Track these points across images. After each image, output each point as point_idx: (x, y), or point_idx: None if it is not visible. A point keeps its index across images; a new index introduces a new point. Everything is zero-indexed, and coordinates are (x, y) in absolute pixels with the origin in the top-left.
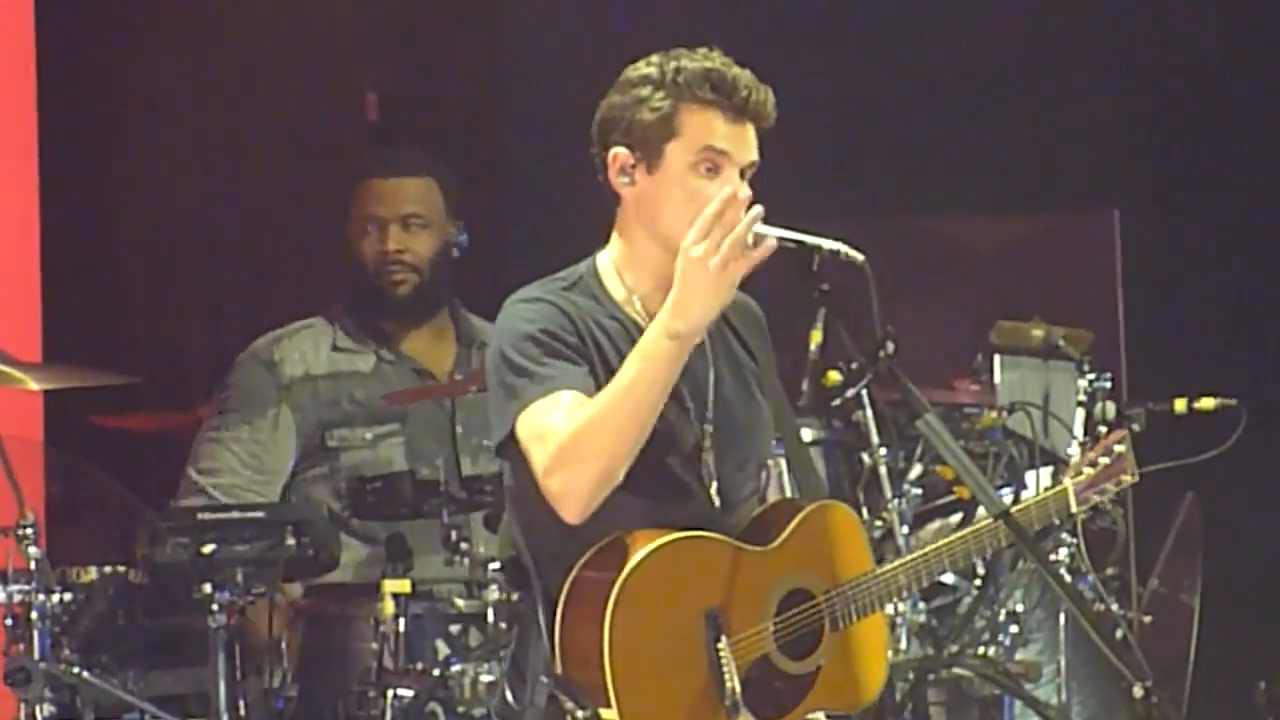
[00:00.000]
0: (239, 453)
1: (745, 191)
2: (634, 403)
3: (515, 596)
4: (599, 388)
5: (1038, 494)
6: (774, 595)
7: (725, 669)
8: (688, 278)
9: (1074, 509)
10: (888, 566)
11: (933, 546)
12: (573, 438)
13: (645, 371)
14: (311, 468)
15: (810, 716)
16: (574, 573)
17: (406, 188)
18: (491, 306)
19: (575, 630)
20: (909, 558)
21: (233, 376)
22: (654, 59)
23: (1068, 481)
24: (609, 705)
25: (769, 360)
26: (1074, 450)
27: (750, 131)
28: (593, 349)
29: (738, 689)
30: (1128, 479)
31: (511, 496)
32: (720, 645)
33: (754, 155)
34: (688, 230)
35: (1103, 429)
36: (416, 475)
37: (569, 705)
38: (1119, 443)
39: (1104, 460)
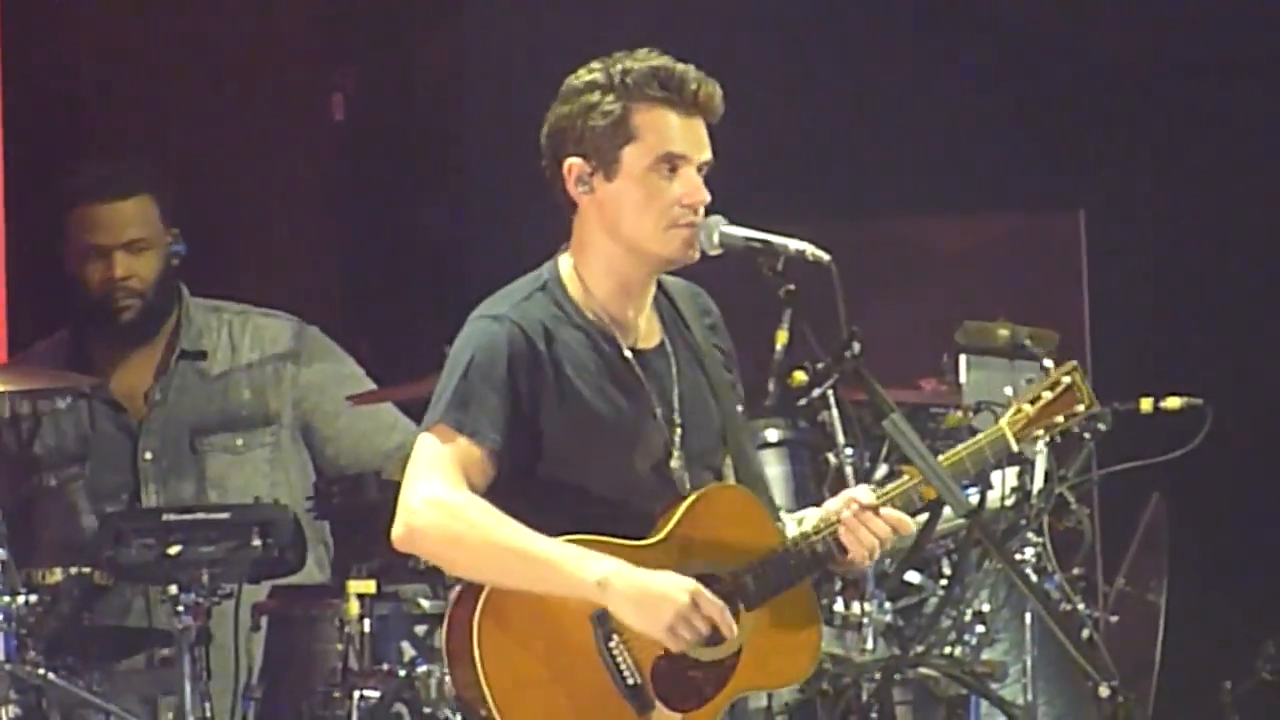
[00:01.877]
0: None
1: (700, 194)
2: (514, 569)
3: None
4: (559, 404)
5: (972, 441)
6: None
7: (622, 667)
8: (652, 598)
9: (1014, 447)
10: (797, 535)
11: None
12: (454, 525)
13: (548, 571)
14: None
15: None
16: (450, 604)
17: (126, 211)
18: (458, 307)
19: (455, 654)
20: (815, 528)
21: None
22: (595, 64)
23: (1003, 422)
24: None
25: (715, 345)
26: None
27: (702, 127)
28: (548, 364)
29: (640, 683)
30: (1081, 408)
31: (495, 490)
32: (612, 643)
33: (709, 153)
34: (654, 232)
35: (1048, 363)
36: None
37: None
38: (1066, 374)
39: (1047, 394)
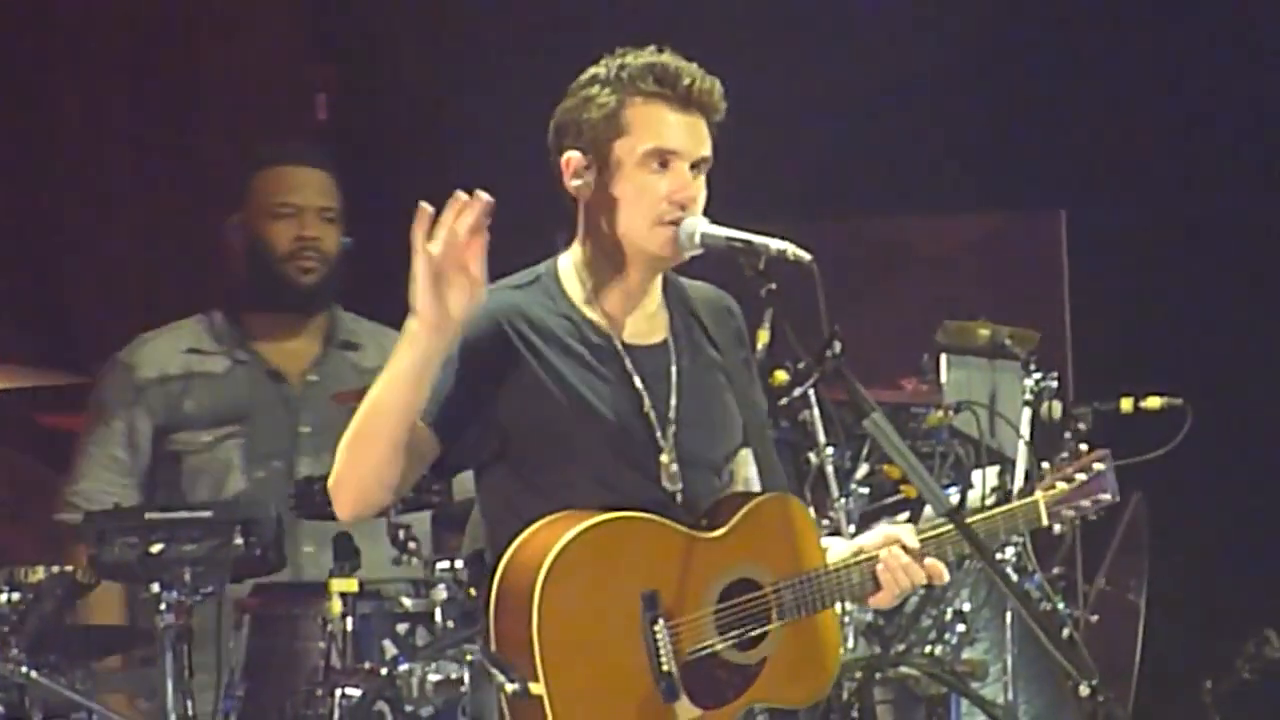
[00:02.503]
0: (98, 455)
1: (699, 189)
2: (375, 422)
3: (475, 593)
4: (525, 387)
5: (1008, 504)
6: (717, 583)
7: (661, 652)
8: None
9: (1044, 522)
10: (839, 561)
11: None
12: (342, 442)
13: (384, 389)
14: (161, 473)
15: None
16: (510, 551)
17: (318, 179)
18: None
19: (507, 605)
20: (863, 555)
21: (96, 387)
22: (602, 59)
23: (1039, 495)
24: (537, 680)
25: (740, 355)
26: (1044, 465)
27: (701, 125)
28: (517, 348)
29: (674, 672)
30: (1107, 498)
31: (480, 490)
32: (657, 627)
33: (705, 150)
34: (641, 227)
35: (1084, 446)
36: (243, 482)
37: (499, 679)
38: (1099, 461)
39: (1080, 476)
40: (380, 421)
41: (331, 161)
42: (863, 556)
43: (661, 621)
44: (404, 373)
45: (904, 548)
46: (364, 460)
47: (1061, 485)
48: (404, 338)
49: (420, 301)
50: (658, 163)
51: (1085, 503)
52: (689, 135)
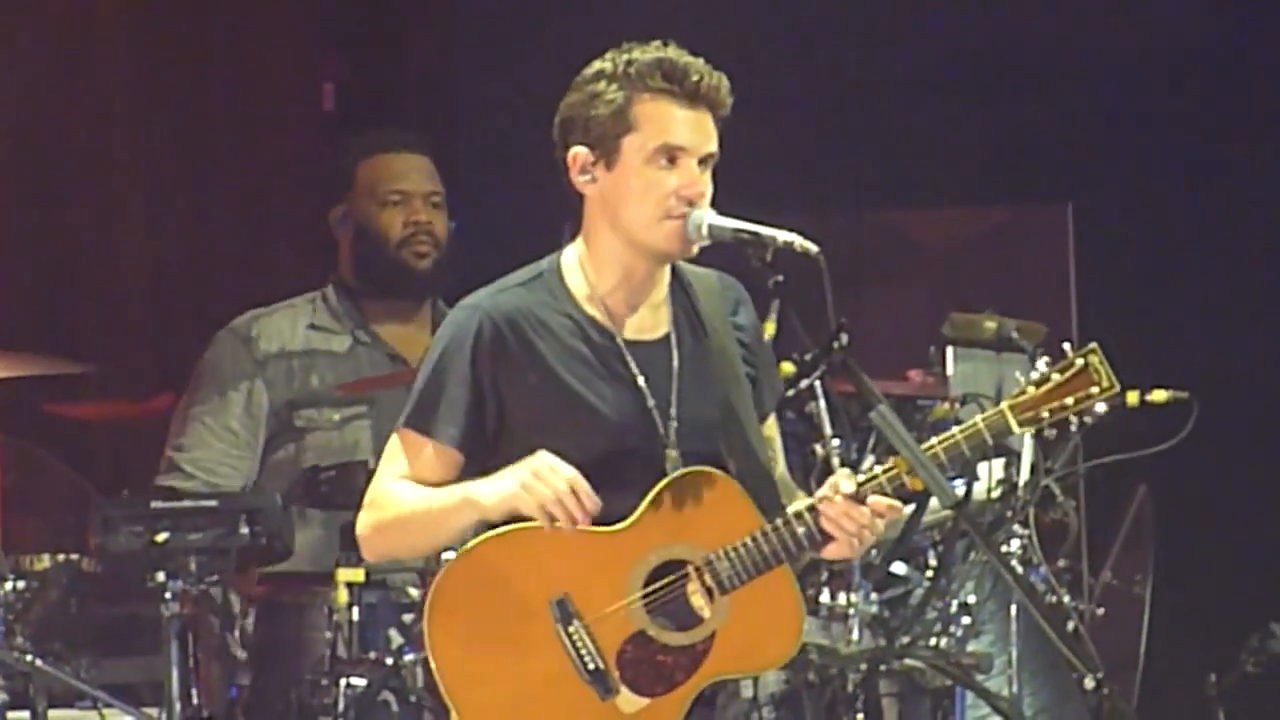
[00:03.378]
0: (213, 426)
1: (706, 184)
2: (418, 530)
3: None
4: (530, 392)
5: (970, 423)
6: (638, 570)
7: (583, 652)
8: (504, 474)
9: (1015, 429)
10: (773, 522)
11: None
12: (373, 515)
13: (433, 517)
14: (279, 446)
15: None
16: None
17: (424, 165)
18: (450, 295)
19: (423, 645)
20: (796, 512)
21: (209, 352)
22: (608, 54)
23: (1005, 403)
24: (454, 712)
25: (744, 339)
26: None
27: (708, 120)
28: (520, 352)
29: (602, 668)
30: (1098, 391)
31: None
32: (571, 629)
33: (712, 146)
34: (649, 222)
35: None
36: (370, 465)
37: (428, 717)
38: (1083, 356)
39: (1056, 377)
40: (430, 535)
41: (433, 147)
42: (803, 510)
43: (576, 622)
44: (453, 517)
45: (842, 494)
46: (406, 547)
47: (1031, 390)
48: (494, 497)
49: (513, 504)
50: (665, 159)
51: (1069, 401)
52: (696, 131)
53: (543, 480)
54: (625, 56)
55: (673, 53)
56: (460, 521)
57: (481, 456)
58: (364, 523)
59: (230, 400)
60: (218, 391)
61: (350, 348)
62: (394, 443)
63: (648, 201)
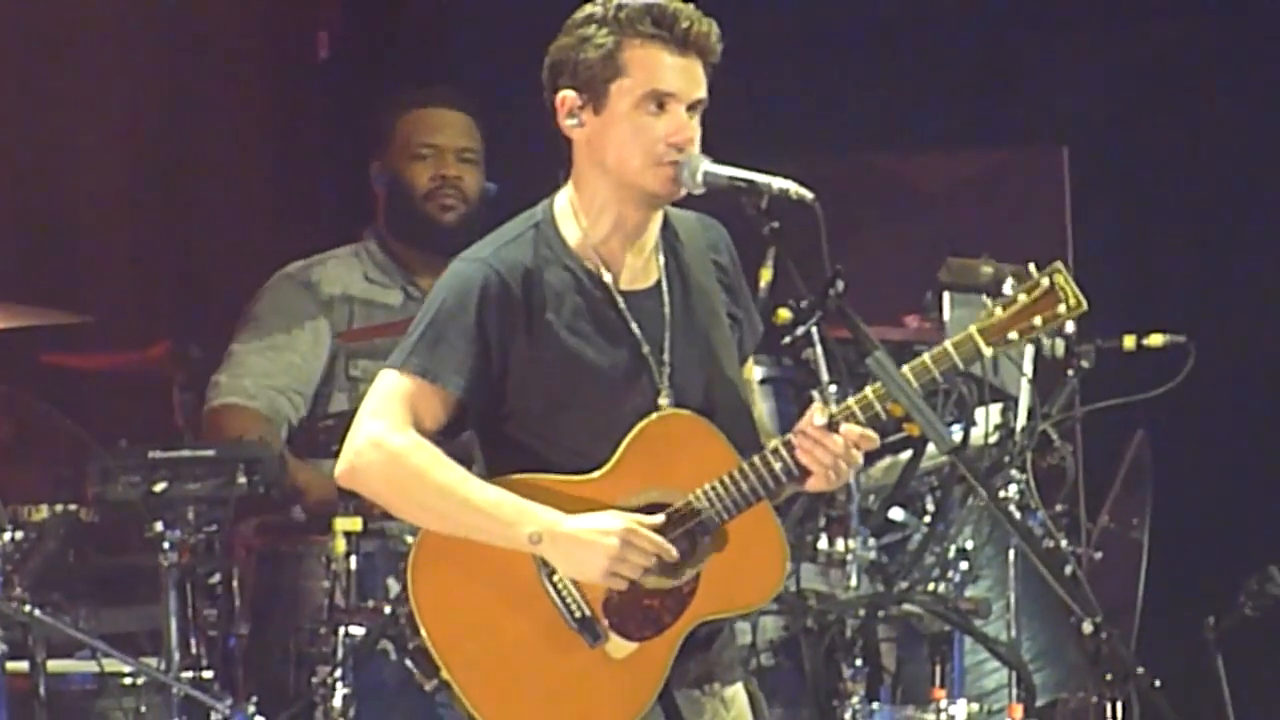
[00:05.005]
0: (274, 358)
1: (695, 130)
2: (451, 516)
3: None
4: (532, 348)
5: (939, 347)
6: None
7: (568, 600)
8: (585, 546)
9: (985, 351)
10: (750, 459)
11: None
12: (394, 469)
13: (482, 521)
14: (332, 391)
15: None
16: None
17: (460, 121)
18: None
19: (405, 601)
20: (772, 447)
21: (266, 294)
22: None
23: (972, 326)
24: (443, 669)
25: (722, 283)
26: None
27: (697, 67)
28: (523, 308)
29: (588, 614)
30: (1065, 310)
31: (484, 444)
32: (556, 578)
33: (701, 92)
34: (639, 167)
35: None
36: None
37: (418, 677)
38: (1048, 275)
39: (1023, 298)
40: (456, 527)
41: (474, 104)
42: (779, 444)
43: (560, 572)
44: (501, 540)
45: (814, 424)
46: (413, 516)
47: (998, 312)
48: (545, 526)
49: (596, 570)
50: (655, 104)
51: (1036, 321)
52: (686, 78)
53: (630, 562)
54: (615, 1)
55: (660, 2)
56: (497, 540)
57: (481, 409)
58: (377, 467)
59: (295, 336)
60: (281, 328)
61: (403, 303)
62: (391, 383)
63: (636, 147)
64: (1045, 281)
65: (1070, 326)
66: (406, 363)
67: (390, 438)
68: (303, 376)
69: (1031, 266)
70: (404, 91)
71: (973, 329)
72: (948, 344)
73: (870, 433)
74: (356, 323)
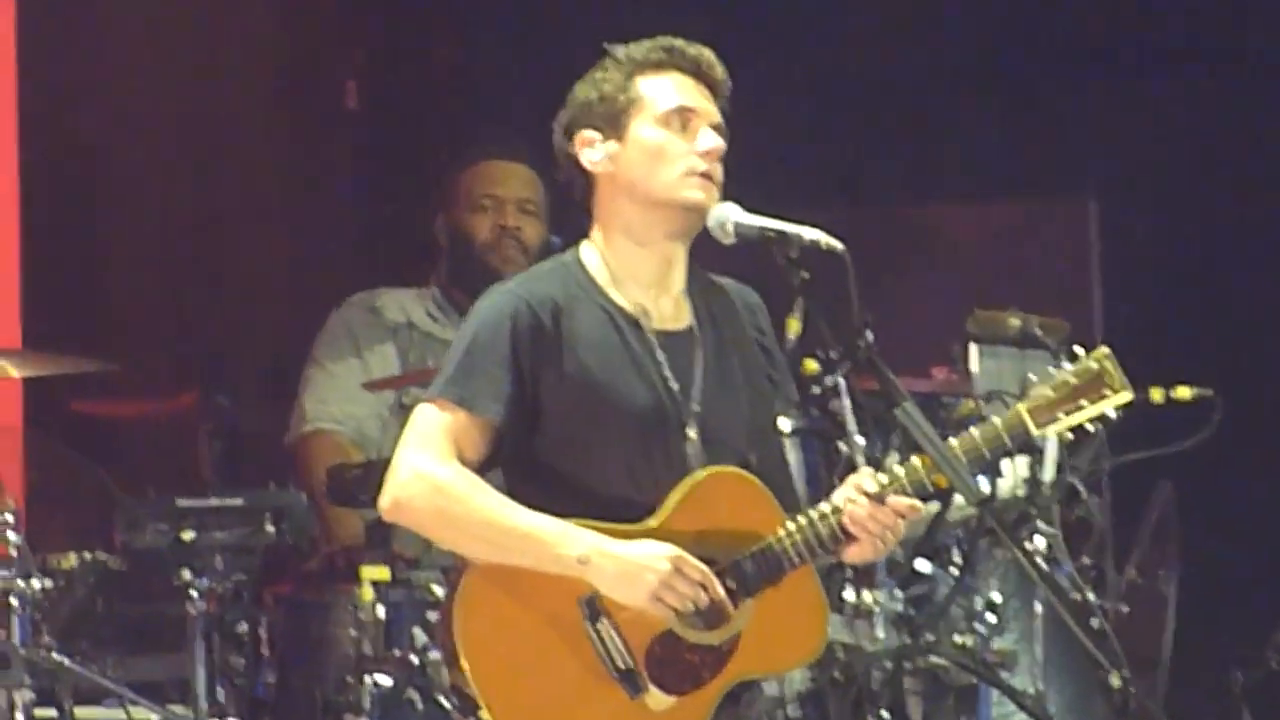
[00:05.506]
0: (352, 382)
1: (717, 142)
2: (497, 544)
3: None
4: (562, 381)
5: (988, 424)
6: None
7: (612, 650)
8: (633, 568)
9: (1032, 430)
10: (797, 523)
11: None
12: (440, 499)
13: (530, 546)
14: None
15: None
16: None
17: (520, 173)
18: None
19: (444, 649)
20: (820, 513)
21: (334, 322)
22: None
23: (1021, 406)
24: (485, 711)
25: (760, 350)
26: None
27: (709, 94)
28: (554, 340)
29: (632, 666)
30: (1113, 396)
31: (510, 478)
32: (600, 626)
33: (718, 117)
34: (671, 180)
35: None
36: None
37: (455, 715)
38: (1097, 360)
39: (1072, 380)
40: (504, 553)
41: (537, 156)
42: (826, 510)
43: (605, 620)
44: (549, 562)
45: (865, 493)
46: (464, 548)
47: (1048, 394)
48: (593, 547)
49: (643, 593)
50: (678, 120)
51: (1083, 404)
52: (704, 99)
53: (677, 591)
54: (621, 51)
55: (666, 39)
56: (545, 564)
57: (516, 439)
58: (422, 498)
59: (367, 361)
60: (353, 352)
61: None
62: (430, 416)
63: (668, 161)
64: (1093, 366)
65: (1113, 412)
66: (445, 393)
67: (434, 469)
68: (373, 401)
69: (1079, 349)
70: (469, 145)
71: (1022, 409)
72: (997, 421)
73: (917, 504)
74: (415, 353)
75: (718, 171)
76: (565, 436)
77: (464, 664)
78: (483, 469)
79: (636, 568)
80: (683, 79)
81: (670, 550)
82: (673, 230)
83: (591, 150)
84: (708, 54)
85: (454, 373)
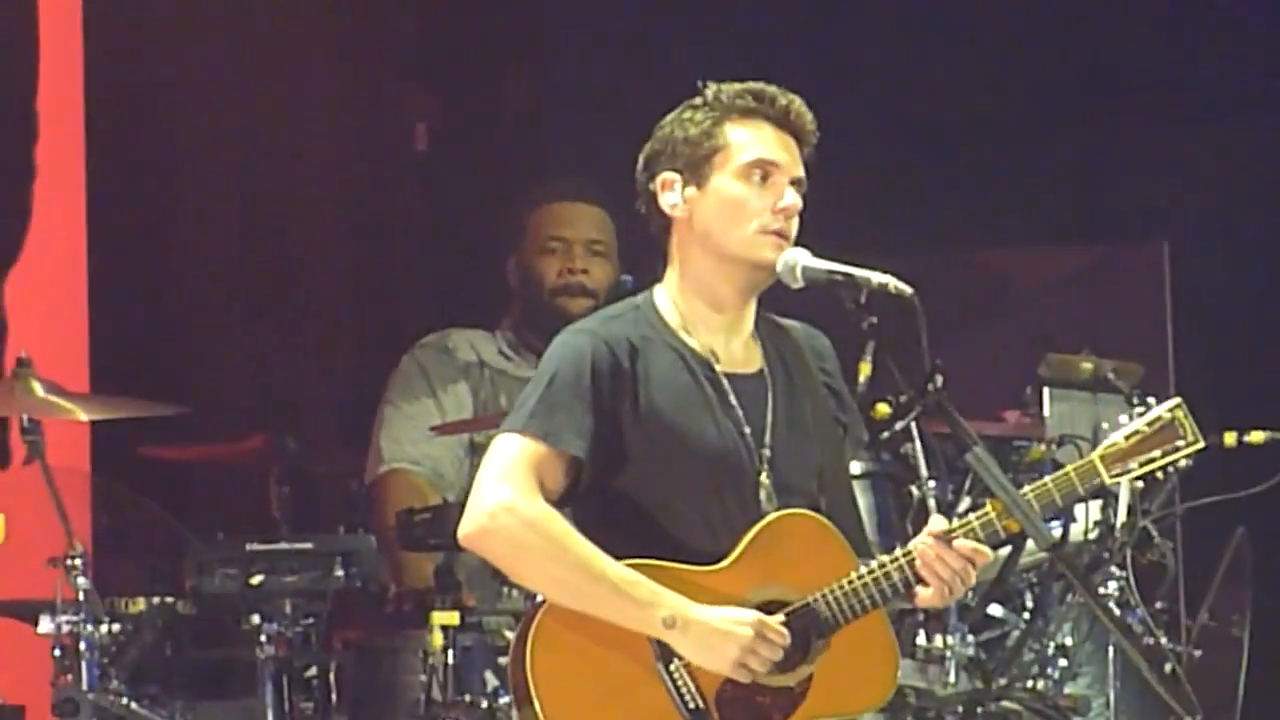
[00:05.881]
0: (428, 422)
1: (795, 200)
2: (581, 590)
3: None
4: (639, 421)
5: (1062, 471)
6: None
7: (683, 690)
8: (716, 637)
9: (1105, 478)
10: (869, 566)
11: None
12: (528, 536)
13: (614, 599)
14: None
15: None
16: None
17: (590, 214)
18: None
19: (515, 687)
20: (892, 557)
21: (407, 364)
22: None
23: (1095, 454)
24: None
25: (830, 394)
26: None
27: (795, 145)
28: (631, 380)
29: (703, 707)
30: (1185, 446)
31: (580, 517)
32: (672, 666)
33: (801, 171)
34: (745, 236)
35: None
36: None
37: None
38: (1169, 410)
39: (1144, 429)
40: (585, 601)
41: (607, 198)
42: (900, 555)
43: (677, 660)
44: (632, 620)
45: (934, 535)
46: (542, 585)
47: (1120, 442)
48: (679, 611)
49: (727, 661)
50: (760, 174)
51: (1156, 453)
52: (787, 151)
53: (760, 656)
54: (714, 89)
55: (760, 85)
56: (629, 621)
57: (594, 475)
58: (508, 531)
59: (441, 401)
60: (427, 392)
61: None
62: (513, 447)
63: (744, 217)
64: (1166, 415)
65: (1185, 462)
66: (528, 426)
67: (523, 505)
68: (450, 441)
69: (1151, 400)
70: (537, 186)
71: (1095, 456)
72: (1070, 468)
73: (985, 548)
74: (487, 391)
75: (791, 228)
76: (640, 476)
77: (537, 703)
78: (558, 505)
79: (720, 636)
80: (769, 129)
81: (751, 616)
82: (741, 285)
83: (671, 194)
84: (798, 103)
85: (535, 407)
